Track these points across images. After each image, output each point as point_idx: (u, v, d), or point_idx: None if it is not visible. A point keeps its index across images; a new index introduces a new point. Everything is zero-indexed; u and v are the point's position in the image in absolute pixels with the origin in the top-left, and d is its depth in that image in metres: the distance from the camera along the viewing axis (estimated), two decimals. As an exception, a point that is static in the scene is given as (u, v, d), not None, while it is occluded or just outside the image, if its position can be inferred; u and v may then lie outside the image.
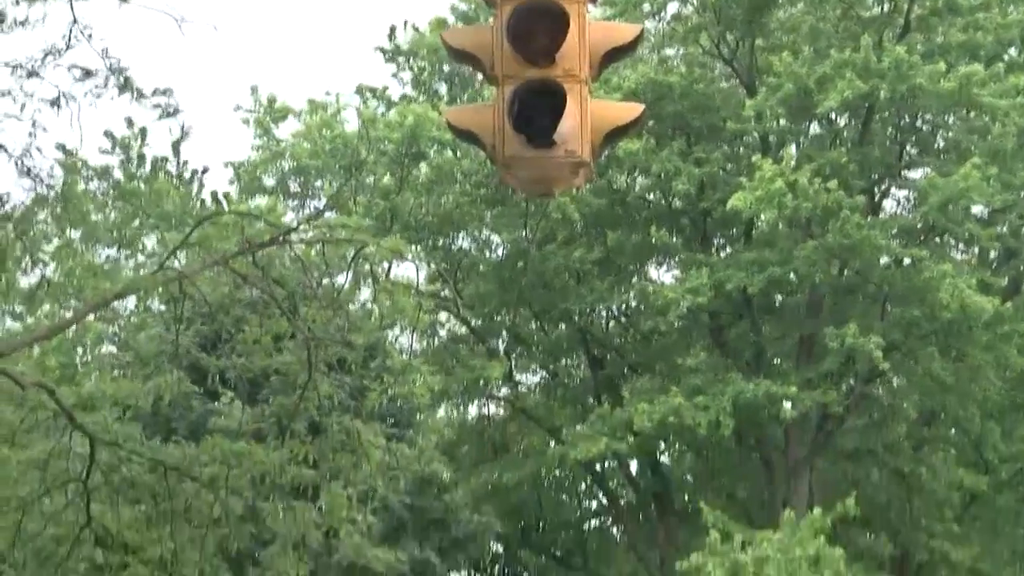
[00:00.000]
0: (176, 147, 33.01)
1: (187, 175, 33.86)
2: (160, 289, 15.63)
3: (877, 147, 31.66)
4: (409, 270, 41.14)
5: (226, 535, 15.69)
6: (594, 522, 40.48)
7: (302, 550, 16.13)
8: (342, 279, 16.04)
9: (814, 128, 32.70)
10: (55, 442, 15.85)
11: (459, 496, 33.09)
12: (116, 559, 16.19)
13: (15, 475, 16.39)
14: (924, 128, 32.56)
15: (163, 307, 20.45)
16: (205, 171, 34.01)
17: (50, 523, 16.35)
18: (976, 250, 32.99)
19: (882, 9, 31.44)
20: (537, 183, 8.65)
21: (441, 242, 33.53)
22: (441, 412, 36.40)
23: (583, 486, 38.89)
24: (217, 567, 16.10)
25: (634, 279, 33.97)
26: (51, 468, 15.92)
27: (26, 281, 17.03)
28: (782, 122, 30.95)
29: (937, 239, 31.81)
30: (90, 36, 14.01)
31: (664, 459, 36.55)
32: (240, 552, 15.95)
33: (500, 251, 34.15)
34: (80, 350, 25.66)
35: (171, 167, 33.19)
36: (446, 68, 33.87)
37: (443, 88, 35.07)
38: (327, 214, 30.22)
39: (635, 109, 9.08)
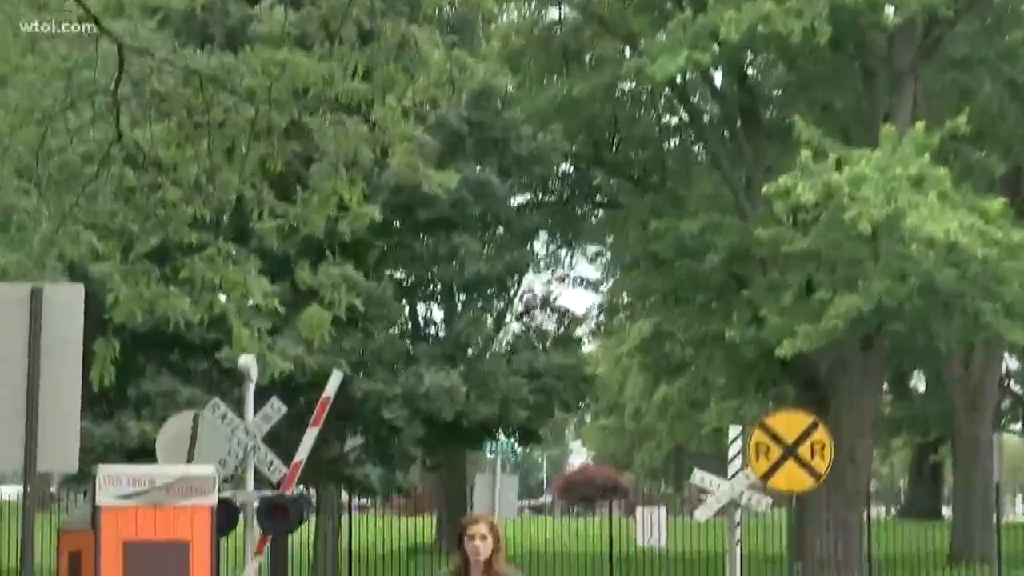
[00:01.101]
0: None
1: None
2: None
3: None
4: None
5: (268, 153, 14.37)
6: (674, 140, 38.79)
7: (354, 170, 14.73)
8: None
9: None
10: (80, 51, 14.52)
11: (521, 113, 31.58)
12: (148, 179, 14.99)
13: (39, 85, 15.23)
14: None
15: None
16: None
17: (76, 138, 15.21)
18: None
19: None
20: None
21: None
22: (504, 19, 34.73)
23: (662, 100, 37.14)
24: (259, 188, 14.74)
25: None
26: (76, 78, 14.62)
27: None
28: None
29: None
30: None
31: (752, 71, 34.50)
32: (284, 171, 14.54)
33: None
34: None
35: None
36: None
37: None
38: None
39: None
